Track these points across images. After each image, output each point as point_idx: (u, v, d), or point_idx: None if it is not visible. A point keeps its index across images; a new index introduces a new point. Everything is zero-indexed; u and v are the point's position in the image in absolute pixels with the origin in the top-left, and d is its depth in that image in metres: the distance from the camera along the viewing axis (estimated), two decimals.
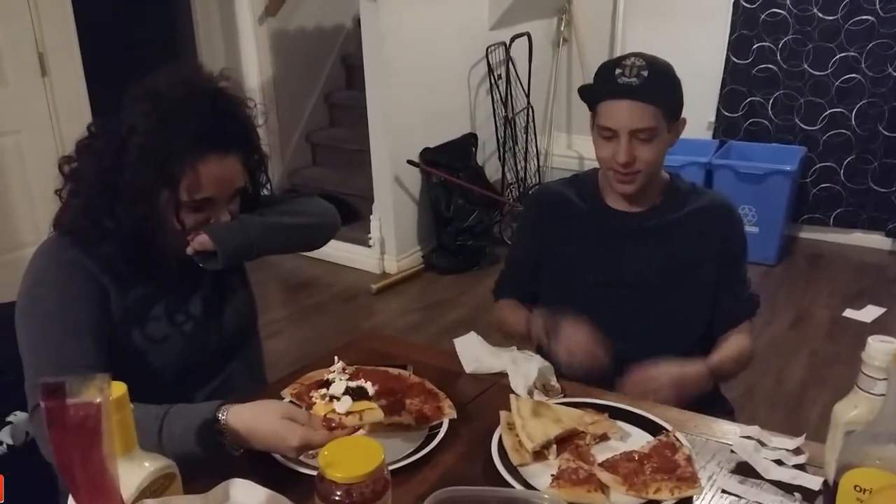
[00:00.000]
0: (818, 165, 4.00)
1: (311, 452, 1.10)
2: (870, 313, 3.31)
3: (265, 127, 1.32)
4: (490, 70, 4.05)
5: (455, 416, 1.17)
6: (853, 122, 3.88)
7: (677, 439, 1.08)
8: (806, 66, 3.92)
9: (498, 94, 4.11)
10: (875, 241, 4.00)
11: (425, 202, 3.92)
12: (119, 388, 0.80)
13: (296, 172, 4.51)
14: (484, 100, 4.16)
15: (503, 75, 4.11)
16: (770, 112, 4.06)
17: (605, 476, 1.00)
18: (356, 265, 3.93)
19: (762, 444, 1.10)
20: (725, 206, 1.57)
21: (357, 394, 1.04)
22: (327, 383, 1.06)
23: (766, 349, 3.01)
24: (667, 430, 1.11)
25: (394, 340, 1.54)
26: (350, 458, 0.82)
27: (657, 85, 1.41)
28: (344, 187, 4.22)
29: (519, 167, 4.31)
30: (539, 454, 1.08)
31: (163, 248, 1.22)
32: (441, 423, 1.16)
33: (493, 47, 4.02)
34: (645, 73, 1.39)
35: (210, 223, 1.21)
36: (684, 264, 1.52)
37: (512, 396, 1.19)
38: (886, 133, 3.81)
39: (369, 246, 3.88)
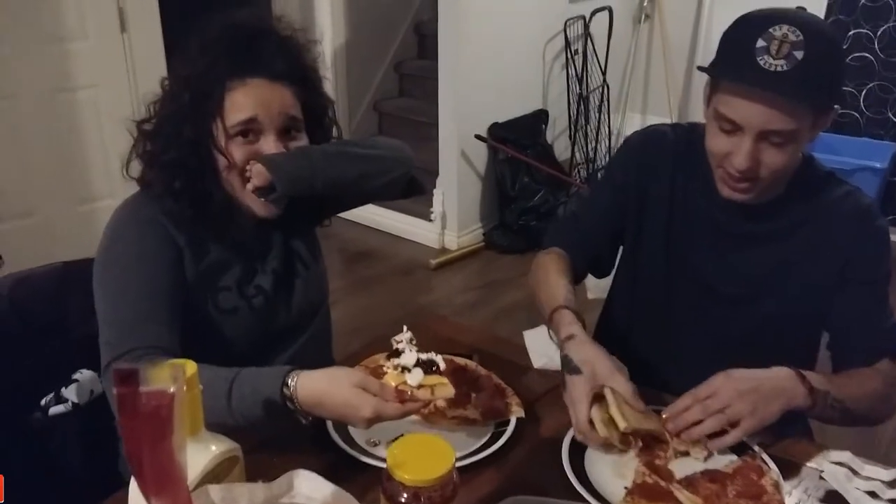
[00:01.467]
0: None
1: (374, 441, 1.07)
2: None
3: (334, 91, 1.29)
4: (567, 44, 3.92)
5: (523, 415, 1.12)
6: None
7: (764, 461, 1.01)
8: None
9: (573, 70, 3.99)
10: None
11: (490, 178, 3.85)
12: (190, 367, 0.77)
13: None
14: (558, 75, 4.03)
15: (580, 50, 3.97)
16: (862, 104, 3.83)
17: (683, 495, 0.94)
18: (416, 238, 3.90)
19: (854, 472, 1.02)
20: (864, 207, 1.22)
21: (428, 366, 0.99)
22: (397, 353, 1.01)
23: None
24: (753, 450, 1.04)
25: (458, 326, 1.49)
26: (419, 460, 0.78)
27: (814, 74, 1.04)
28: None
29: (589, 147, 4.19)
30: (624, 438, 1.02)
31: (227, 199, 1.20)
32: (508, 421, 1.11)
33: (571, 20, 3.89)
34: (799, 55, 1.02)
35: (266, 154, 1.17)
36: (794, 276, 1.23)
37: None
38: None
39: (430, 220, 3.84)
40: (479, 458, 1.03)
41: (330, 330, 1.46)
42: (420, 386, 0.98)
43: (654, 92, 4.45)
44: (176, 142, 1.16)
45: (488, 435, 1.09)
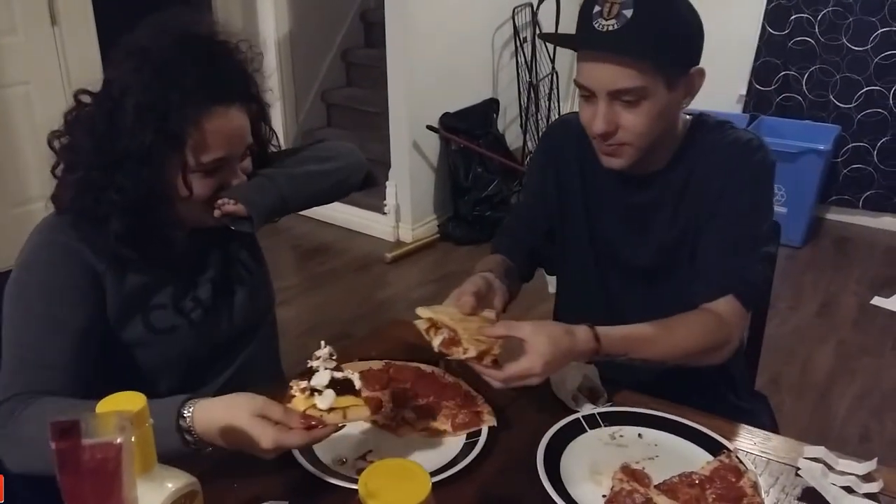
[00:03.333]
0: (851, 145, 3.86)
1: (342, 459, 1.02)
2: None
3: (280, 82, 1.21)
4: (516, 32, 3.89)
5: (495, 424, 1.08)
6: (891, 101, 3.72)
7: (741, 462, 0.99)
8: (845, 40, 3.75)
9: (523, 58, 3.96)
10: None
11: (443, 169, 3.80)
12: (138, 400, 0.71)
13: (310, 133, 4.37)
14: (507, 64, 4.00)
15: (529, 38, 3.95)
16: (804, 87, 3.91)
17: (663, 501, 0.92)
18: (370, 232, 3.83)
19: (829, 467, 1.02)
20: (744, 141, 1.20)
21: (342, 387, 0.92)
22: (310, 372, 0.94)
23: (792, 336, 2.92)
24: (728, 450, 1.02)
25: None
26: (393, 488, 0.73)
27: (646, 30, 1.06)
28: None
29: (540, 135, 4.17)
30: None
31: (170, 222, 1.12)
32: (479, 431, 1.07)
33: (519, 8, 3.86)
34: (628, 14, 1.05)
35: (234, 185, 1.12)
36: (690, 236, 1.22)
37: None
38: None
39: (384, 213, 3.77)
40: (451, 472, 0.99)
41: (277, 337, 1.39)
42: (331, 409, 0.91)
43: None
44: (128, 179, 1.05)
45: (460, 446, 1.05)
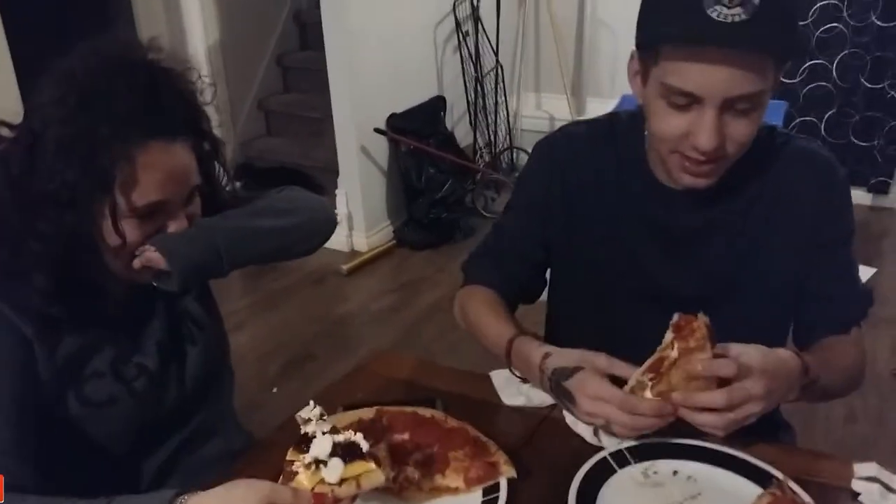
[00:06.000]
0: (798, 120, 3.86)
1: None
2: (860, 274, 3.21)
3: (215, 102, 1.04)
4: (457, 26, 3.76)
5: (514, 475, 0.94)
6: (834, 74, 3.74)
7: (794, 492, 0.88)
8: None
9: (466, 53, 3.83)
10: (857, 196, 3.83)
11: (394, 173, 3.64)
12: None
13: (249, 144, 4.16)
14: (451, 59, 3.87)
15: (471, 32, 3.82)
16: None
17: None
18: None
19: (887, 487, 0.92)
20: (823, 161, 1.09)
21: (347, 452, 0.80)
22: (307, 439, 0.81)
23: None
24: (777, 479, 0.91)
25: (406, 362, 1.26)
26: None
27: (778, 17, 0.88)
28: (304, 159, 3.90)
29: (489, 131, 4.06)
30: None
31: (102, 275, 0.95)
32: (497, 485, 0.93)
33: (459, 1, 3.73)
34: None
35: (160, 234, 0.95)
36: (760, 261, 1.09)
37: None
38: (869, 85, 3.68)
39: (336, 222, 3.60)
40: None
41: (233, 387, 1.22)
42: (342, 480, 0.78)
43: (546, 70, 4.37)
44: (49, 226, 0.89)
45: None
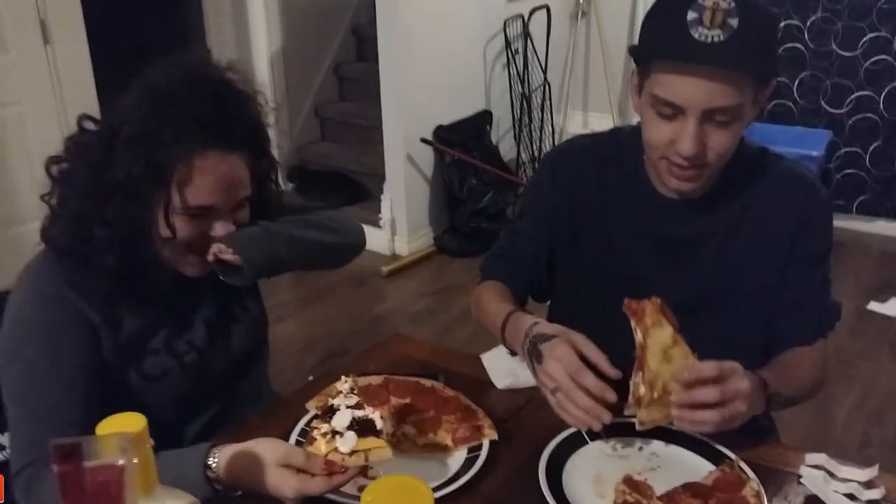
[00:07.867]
0: (843, 150, 3.88)
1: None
2: (895, 307, 3.22)
3: (274, 98, 1.19)
4: (507, 44, 3.91)
5: (496, 438, 1.08)
6: (881, 105, 3.75)
7: (743, 471, 0.99)
8: (834, 46, 3.78)
9: (514, 70, 3.98)
10: None
11: (438, 182, 3.80)
12: (138, 421, 0.71)
13: (304, 148, 4.38)
14: (500, 75, 4.02)
15: (520, 50, 3.97)
16: (795, 94, 3.93)
17: None
18: (366, 246, 3.82)
19: (831, 474, 1.01)
20: (808, 181, 1.18)
21: (363, 427, 0.92)
22: (332, 411, 0.93)
23: None
24: (730, 459, 1.02)
25: (421, 344, 1.43)
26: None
27: (753, 41, 0.98)
28: (354, 164, 4.10)
29: (534, 146, 4.19)
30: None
31: (153, 261, 1.09)
32: (480, 445, 1.07)
33: (510, 20, 3.88)
34: (734, 23, 0.96)
35: (232, 233, 1.08)
36: (745, 272, 1.17)
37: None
38: None
39: (380, 227, 3.77)
40: (453, 487, 0.98)
41: (267, 366, 1.36)
42: (353, 452, 0.91)
43: (594, 89, 4.47)
44: (115, 213, 1.03)
45: (462, 461, 1.05)
